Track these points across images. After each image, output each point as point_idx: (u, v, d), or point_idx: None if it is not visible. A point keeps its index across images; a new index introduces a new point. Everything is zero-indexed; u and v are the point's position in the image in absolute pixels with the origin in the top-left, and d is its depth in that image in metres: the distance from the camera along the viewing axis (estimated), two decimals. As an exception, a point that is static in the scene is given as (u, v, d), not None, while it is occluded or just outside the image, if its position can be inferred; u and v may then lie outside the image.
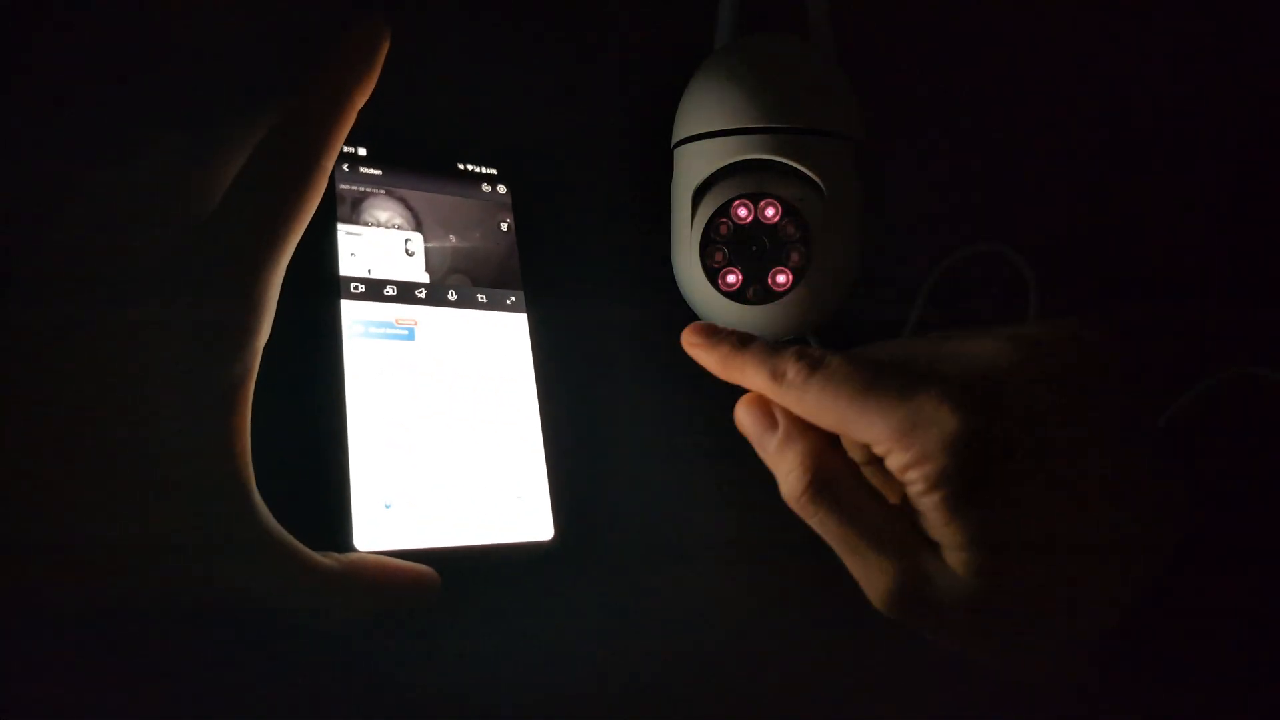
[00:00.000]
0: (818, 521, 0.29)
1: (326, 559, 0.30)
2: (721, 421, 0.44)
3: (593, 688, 0.37)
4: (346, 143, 0.37)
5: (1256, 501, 0.30)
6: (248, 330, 0.28)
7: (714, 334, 0.31)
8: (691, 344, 0.32)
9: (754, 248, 0.41)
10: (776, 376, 0.29)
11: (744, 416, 0.31)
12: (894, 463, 0.27)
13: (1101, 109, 0.49)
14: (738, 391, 0.31)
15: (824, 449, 0.29)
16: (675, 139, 0.43)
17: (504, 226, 0.41)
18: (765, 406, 0.30)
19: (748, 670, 0.40)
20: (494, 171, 0.42)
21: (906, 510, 0.28)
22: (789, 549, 0.43)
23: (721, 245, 0.41)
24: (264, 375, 0.29)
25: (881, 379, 0.27)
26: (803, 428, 0.29)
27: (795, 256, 0.41)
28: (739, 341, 0.31)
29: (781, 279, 0.41)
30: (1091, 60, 0.49)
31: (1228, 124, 0.49)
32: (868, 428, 0.27)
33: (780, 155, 0.40)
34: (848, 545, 0.28)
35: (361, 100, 0.31)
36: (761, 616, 0.41)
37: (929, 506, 0.26)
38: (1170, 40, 0.49)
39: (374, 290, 0.36)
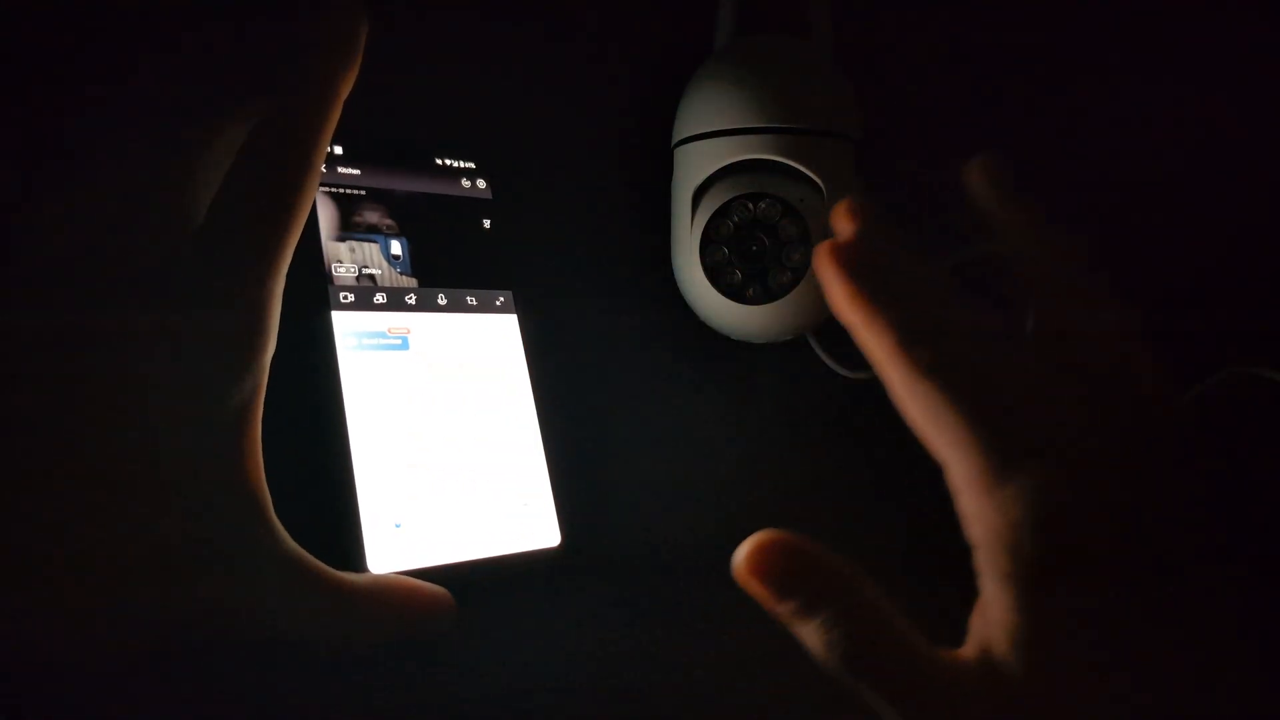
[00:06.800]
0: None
1: (350, 576, 0.29)
2: (724, 420, 0.44)
3: (607, 693, 0.36)
4: None
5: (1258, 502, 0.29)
6: (256, 344, 0.27)
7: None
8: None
9: (754, 248, 0.41)
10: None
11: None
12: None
13: (1102, 108, 0.49)
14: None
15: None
16: (675, 139, 0.43)
17: (486, 224, 0.39)
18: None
19: (753, 670, 0.40)
20: (472, 165, 0.40)
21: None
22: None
23: (721, 245, 0.41)
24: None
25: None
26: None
27: (795, 256, 0.41)
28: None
29: (782, 279, 0.41)
30: (1092, 60, 0.49)
31: (1230, 122, 0.49)
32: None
33: (780, 155, 0.40)
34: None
35: (346, 90, 0.29)
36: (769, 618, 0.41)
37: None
38: (1172, 39, 0.49)
39: (364, 299, 0.35)
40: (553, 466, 0.36)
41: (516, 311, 0.39)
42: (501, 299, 0.39)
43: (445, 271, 0.38)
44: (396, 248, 0.37)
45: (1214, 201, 0.49)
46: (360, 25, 0.29)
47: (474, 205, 0.39)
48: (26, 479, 0.25)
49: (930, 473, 0.45)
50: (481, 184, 0.40)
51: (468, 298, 0.38)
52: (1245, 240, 0.49)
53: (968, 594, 0.42)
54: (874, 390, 0.45)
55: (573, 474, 0.37)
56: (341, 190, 0.36)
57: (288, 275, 0.28)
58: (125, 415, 0.25)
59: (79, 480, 0.25)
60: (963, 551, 0.44)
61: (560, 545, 0.35)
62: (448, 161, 0.39)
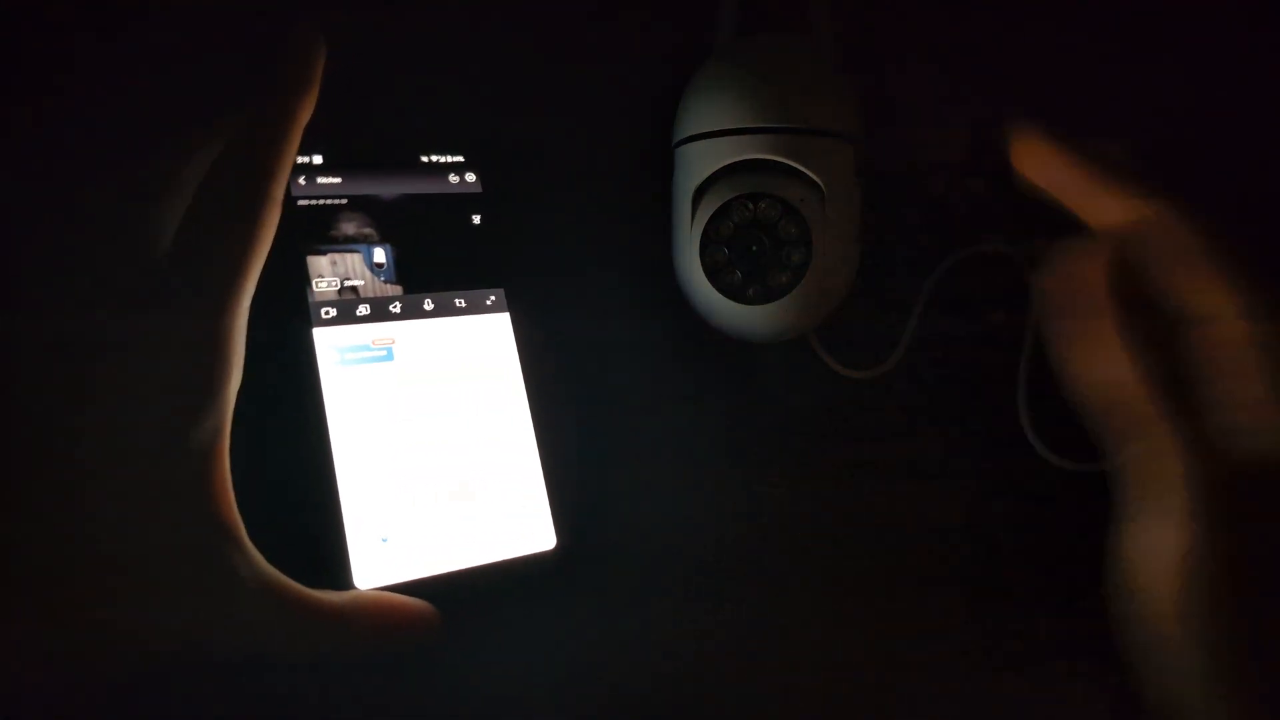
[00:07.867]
0: None
1: (328, 595, 0.29)
2: (723, 420, 0.44)
3: (605, 697, 0.36)
4: (301, 152, 0.36)
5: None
6: (216, 382, 0.27)
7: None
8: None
9: (754, 248, 0.41)
10: None
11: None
12: None
13: (1102, 109, 0.49)
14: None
15: None
16: (675, 139, 0.43)
17: (476, 219, 0.39)
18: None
19: (752, 673, 0.40)
20: (460, 159, 0.39)
21: None
22: (801, 547, 0.43)
23: (721, 245, 0.41)
24: (243, 416, 0.28)
25: None
26: None
27: (795, 256, 0.41)
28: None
29: (782, 279, 0.41)
30: (1092, 61, 0.49)
31: (1231, 122, 0.49)
32: None
33: (780, 155, 0.40)
34: None
35: (305, 118, 0.29)
36: (771, 615, 0.41)
37: None
38: (1173, 39, 0.49)
39: (346, 312, 0.34)
40: (548, 468, 0.36)
41: (509, 310, 0.38)
42: (492, 298, 0.38)
43: (433, 274, 0.37)
44: (380, 255, 0.36)
45: (1213, 201, 0.49)
46: (318, 52, 0.29)
47: (463, 201, 0.39)
48: (6, 485, 0.25)
49: (930, 474, 0.45)
50: (471, 178, 0.39)
51: (456, 300, 0.37)
52: (1244, 240, 0.49)
53: (969, 595, 0.42)
54: (874, 390, 0.45)
55: (568, 475, 0.37)
56: (321, 201, 0.36)
57: (268, 295, 0.28)
58: (96, 430, 0.25)
59: (52, 489, 0.25)
60: (963, 551, 0.44)
61: (556, 548, 0.35)
62: (434, 157, 0.39)
